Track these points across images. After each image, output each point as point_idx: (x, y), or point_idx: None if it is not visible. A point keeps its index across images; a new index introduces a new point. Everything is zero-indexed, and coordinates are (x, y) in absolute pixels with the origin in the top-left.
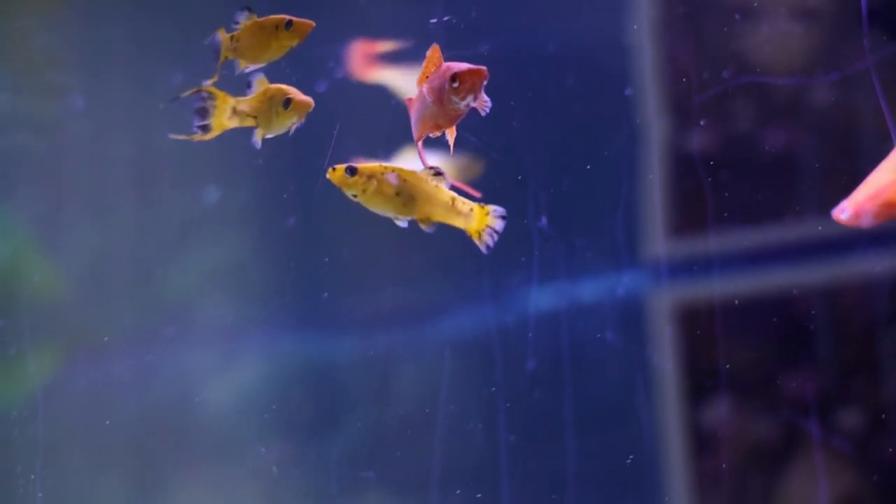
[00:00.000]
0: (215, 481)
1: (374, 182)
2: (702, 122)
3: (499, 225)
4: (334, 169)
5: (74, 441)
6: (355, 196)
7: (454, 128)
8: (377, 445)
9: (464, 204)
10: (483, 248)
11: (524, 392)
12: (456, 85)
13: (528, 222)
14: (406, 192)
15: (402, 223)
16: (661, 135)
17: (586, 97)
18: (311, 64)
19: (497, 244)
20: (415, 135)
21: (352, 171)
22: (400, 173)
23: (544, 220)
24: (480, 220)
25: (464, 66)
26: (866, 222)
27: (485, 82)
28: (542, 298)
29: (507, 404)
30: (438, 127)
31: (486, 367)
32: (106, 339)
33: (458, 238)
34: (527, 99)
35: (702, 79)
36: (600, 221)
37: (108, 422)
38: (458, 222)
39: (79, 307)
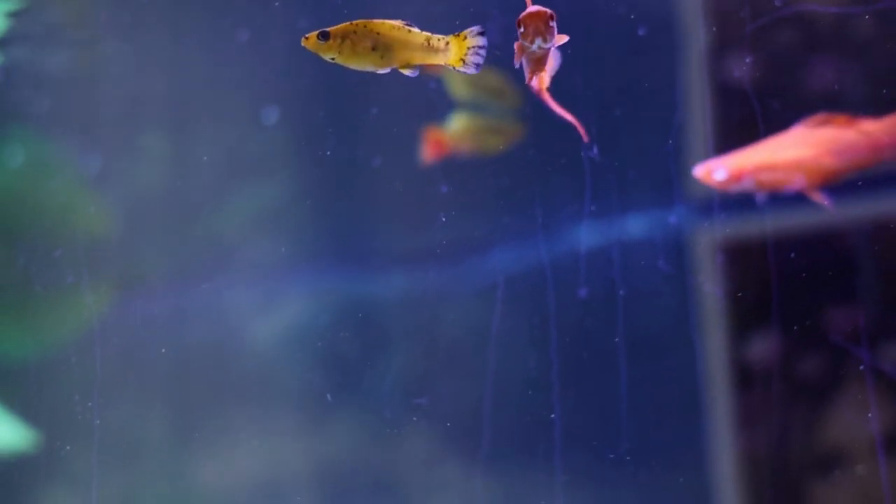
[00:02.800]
0: (269, 409)
1: (349, 42)
2: (754, 52)
3: (480, 41)
4: (307, 38)
5: (130, 370)
6: (333, 59)
7: (545, 70)
8: (430, 374)
9: (439, 40)
10: (473, 69)
11: (576, 320)
12: (522, 30)
13: (581, 152)
14: (382, 45)
15: (383, 71)
16: (713, 65)
17: (638, 25)
18: None
19: (549, 175)
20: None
21: (324, 36)
22: (371, 27)
23: (595, 150)
24: (460, 49)
25: (529, 9)
26: (741, 187)
27: (551, 23)
28: (593, 227)
29: (559, 332)
30: (532, 72)
31: (538, 297)
32: (158, 272)
33: (508, 170)
34: (578, 27)
35: (754, 7)
36: (652, 151)
37: (163, 350)
38: (439, 59)
39: (134, 241)
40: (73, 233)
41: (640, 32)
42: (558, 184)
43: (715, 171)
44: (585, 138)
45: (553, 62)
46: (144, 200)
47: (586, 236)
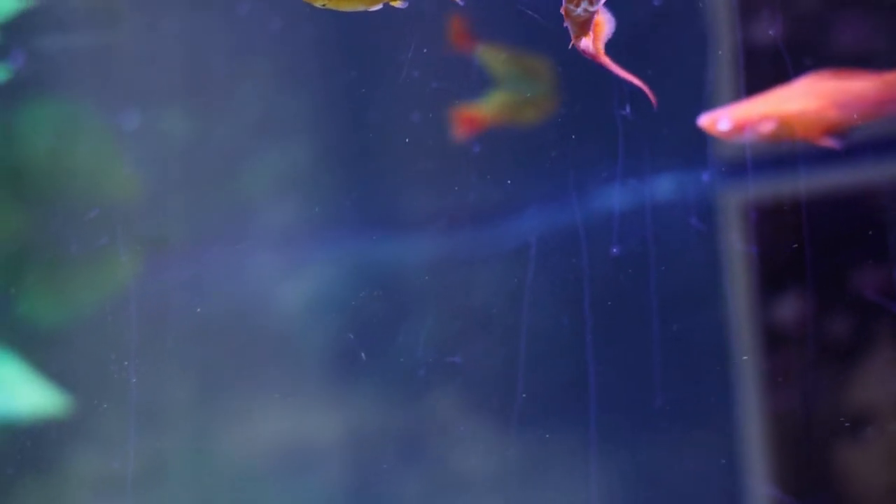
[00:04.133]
0: (303, 369)
1: None
2: (785, 9)
3: None
4: None
5: (166, 330)
6: (324, 5)
7: (590, 34)
8: (463, 333)
9: None
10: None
11: (610, 277)
12: None
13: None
14: None
15: (375, 8)
16: (744, 22)
17: None
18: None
19: (581, 134)
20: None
21: None
22: None
23: (628, 109)
24: None
25: None
26: (745, 137)
27: None
28: (626, 186)
29: (593, 290)
30: (577, 38)
31: (571, 255)
32: (191, 233)
33: (540, 129)
34: None
35: None
36: (684, 110)
37: (198, 309)
38: None
39: (167, 201)
40: (106, 194)
41: None
42: (590, 143)
43: (719, 120)
44: (653, 100)
45: (607, 27)
46: (176, 162)
47: (619, 194)
